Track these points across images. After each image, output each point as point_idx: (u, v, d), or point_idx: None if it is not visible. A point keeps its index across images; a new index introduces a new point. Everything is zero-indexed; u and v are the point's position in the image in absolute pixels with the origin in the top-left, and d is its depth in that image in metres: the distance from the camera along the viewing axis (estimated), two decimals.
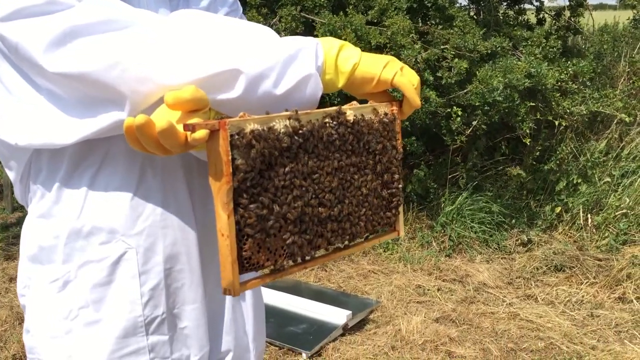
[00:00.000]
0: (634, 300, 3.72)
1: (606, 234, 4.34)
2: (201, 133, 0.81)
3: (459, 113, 4.09)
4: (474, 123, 4.21)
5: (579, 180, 4.51)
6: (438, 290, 3.87)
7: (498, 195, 4.69)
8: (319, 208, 0.96)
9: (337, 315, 3.32)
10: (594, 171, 4.60)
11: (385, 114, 1.07)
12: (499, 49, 4.16)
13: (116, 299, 1.06)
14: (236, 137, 0.84)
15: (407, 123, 4.29)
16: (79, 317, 1.06)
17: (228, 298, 1.22)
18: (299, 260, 0.97)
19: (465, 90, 4.14)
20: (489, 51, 4.11)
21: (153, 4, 1.09)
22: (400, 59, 4.16)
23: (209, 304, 1.18)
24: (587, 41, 6.20)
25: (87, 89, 0.92)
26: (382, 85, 1.05)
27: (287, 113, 0.92)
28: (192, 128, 0.81)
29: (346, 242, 1.05)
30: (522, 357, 3.17)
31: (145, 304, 1.07)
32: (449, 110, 4.14)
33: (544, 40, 4.37)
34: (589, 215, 4.45)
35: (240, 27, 0.98)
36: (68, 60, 0.89)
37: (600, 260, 4.13)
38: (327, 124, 0.97)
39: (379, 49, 4.02)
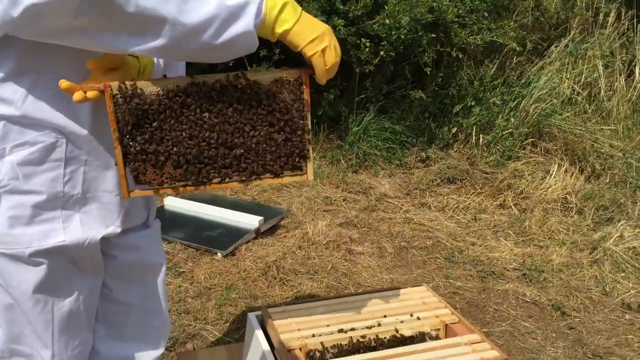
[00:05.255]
0: (512, 206, 4.27)
1: (494, 151, 4.85)
2: (92, 94, 1.19)
3: (367, 45, 4.38)
4: (382, 53, 4.53)
5: (473, 103, 4.97)
6: (344, 200, 4.27)
7: (402, 117, 5.09)
8: (197, 148, 1.27)
9: (250, 221, 3.66)
10: (487, 95, 5.07)
11: (289, 81, 1.28)
12: None
13: (43, 176, 1.28)
14: (117, 96, 1.23)
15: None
16: (9, 187, 1.27)
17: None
18: (184, 183, 1.30)
19: (373, 21, 4.41)
20: None
21: None
22: None
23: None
24: None
25: None
26: (303, 54, 1.23)
27: (175, 78, 1.25)
28: (85, 91, 1.20)
29: (244, 178, 1.32)
30: (412, 253, 3.64)
31: (66, 182, 1.30)
32: (358, 41, 4.42)
33: None
34: (480, 135, 4.94)
35: None
36: None
37: (487, 173, 4.65)
38: (216, 86, 1.25)
39: None
